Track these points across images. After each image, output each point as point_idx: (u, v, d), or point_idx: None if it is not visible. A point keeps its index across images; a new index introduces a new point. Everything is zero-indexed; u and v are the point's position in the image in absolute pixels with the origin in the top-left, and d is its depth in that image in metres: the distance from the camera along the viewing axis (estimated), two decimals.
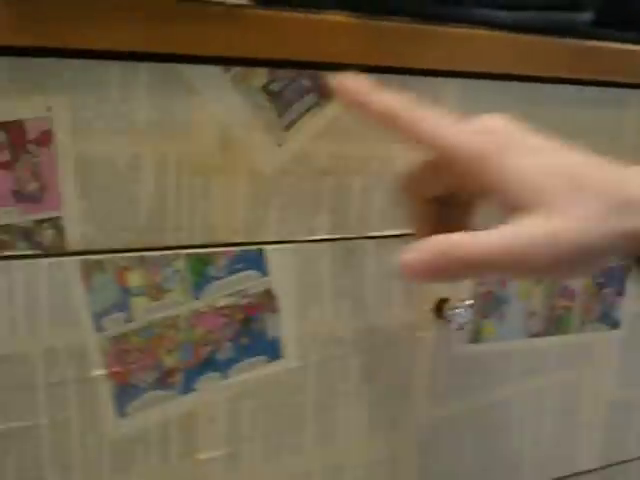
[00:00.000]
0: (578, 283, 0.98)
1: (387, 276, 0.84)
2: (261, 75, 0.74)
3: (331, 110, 0.77)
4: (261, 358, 0.80)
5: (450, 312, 0.86)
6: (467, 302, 0.86)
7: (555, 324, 0.97)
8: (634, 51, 0.91)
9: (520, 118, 0.88)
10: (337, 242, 0.81)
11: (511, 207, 0.55)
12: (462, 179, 0.60)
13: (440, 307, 0.87)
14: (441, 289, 0.88)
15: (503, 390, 0.95)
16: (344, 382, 0.85)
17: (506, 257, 0.52)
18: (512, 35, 0.83)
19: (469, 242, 0.53)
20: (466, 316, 0.86)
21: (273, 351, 0.80)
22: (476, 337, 0.91)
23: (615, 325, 1.03)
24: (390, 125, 0.62)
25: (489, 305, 0.91)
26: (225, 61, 0.72)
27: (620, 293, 1.02)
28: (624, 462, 1.10)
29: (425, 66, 0.80)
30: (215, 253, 0.75)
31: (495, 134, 0.59)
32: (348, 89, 0.66)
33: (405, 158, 0.80)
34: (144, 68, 0.69)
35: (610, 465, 1.09)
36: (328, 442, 0.85)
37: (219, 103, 0.72)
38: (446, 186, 0.63)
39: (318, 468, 0.85)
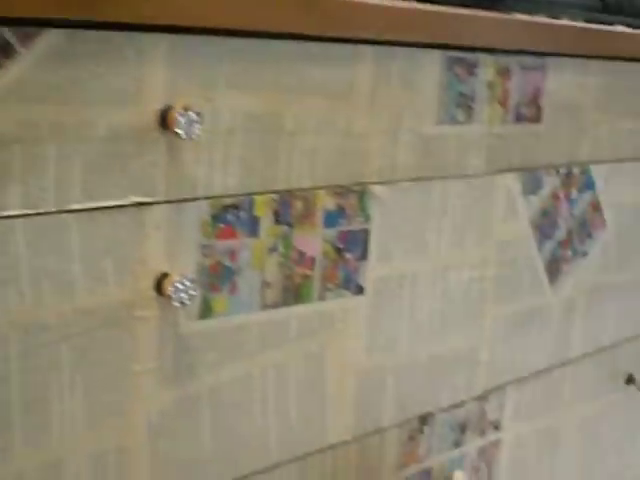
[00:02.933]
0: (317, 250, 0.94)
1: (96, 252, 0.77)
2: None
3: (16, 71, 0.69)
4: None
5: (171, 288, 0.79)
6: (189, 277, 0.80)
7: (294, 294, 0.92)
8: (367, 4, 0.87)
9: (241, 76, 0.83)
10: (32, 218, 0.73)
11: None
12: None
13: (160, 283, 0.81)
14: (161, 263, 0.81)
15: (241, 366, 0.90)
16: (55, 372, 0.77)
17: None
18: None
19: None
20: (189, 292, 0.80)
21: None
22: (206, 312, 0.86)
23: (359, 291, 0.99)
24: None
25: (218, 278, 0.86)
26: None
27: (362, 258, 0.99)
28: (380, 430, 1.08)
29: (127, 20, 0.72)
30: None
31: None
32: None
33: (106, 123, 0.73)
34: None
35: (366, 435, 1.06)
36: (41, 439, 0.77)
37: None
38: None
39: (31, 468, 0.77)
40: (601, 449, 1.51)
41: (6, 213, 0.71)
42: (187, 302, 0.80)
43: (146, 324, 0.81)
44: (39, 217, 0.73)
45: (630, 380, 1.55)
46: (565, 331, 1.34)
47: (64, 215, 0.74)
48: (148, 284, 0.81)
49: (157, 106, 0.78)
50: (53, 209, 0.74)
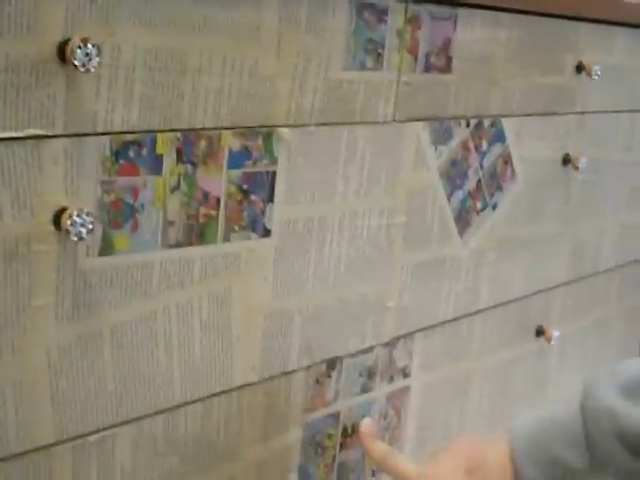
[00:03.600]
0: (221, 190, 0.94)
1: None
2: None
3: None
4: None
5: (68, 222, 0.79)
6: (86, 210, 0.80)
7: (197, 234, 0.93)
8: None
9: (144, 12, 0.83)
10: None
11: None
12: None
13: (59, 217, 0.80)
14: (59, 198, 0.81)
15: (143, 305, 0.90)
16: None
17: None
18: None
19: None
20: (87, 226, 0.80)
21: None
22: (107, 249, 0.85)
23: (266, 234, 1.00)
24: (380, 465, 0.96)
25: (120, 214, 0.86)
26: None
27: (269, 200, 0.99)
28: (288, 373, 1.09)
29: None
30: None
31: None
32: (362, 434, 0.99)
33: (3, 54, 0.72)
34: None
35: (272, 377, 1.07)
36: None
37: None
38: None
39: None
40: (510, 399, 1.55)
41: None
42: (85, 237, 0.80)
43: (44, 259, 0.81)
44: None
45: (540, 332, 1.59)
46: (474, 282, 1.36)
47: None
48: (46, 218, 0.80)
49: (55, 38, 0.77)
50: None
